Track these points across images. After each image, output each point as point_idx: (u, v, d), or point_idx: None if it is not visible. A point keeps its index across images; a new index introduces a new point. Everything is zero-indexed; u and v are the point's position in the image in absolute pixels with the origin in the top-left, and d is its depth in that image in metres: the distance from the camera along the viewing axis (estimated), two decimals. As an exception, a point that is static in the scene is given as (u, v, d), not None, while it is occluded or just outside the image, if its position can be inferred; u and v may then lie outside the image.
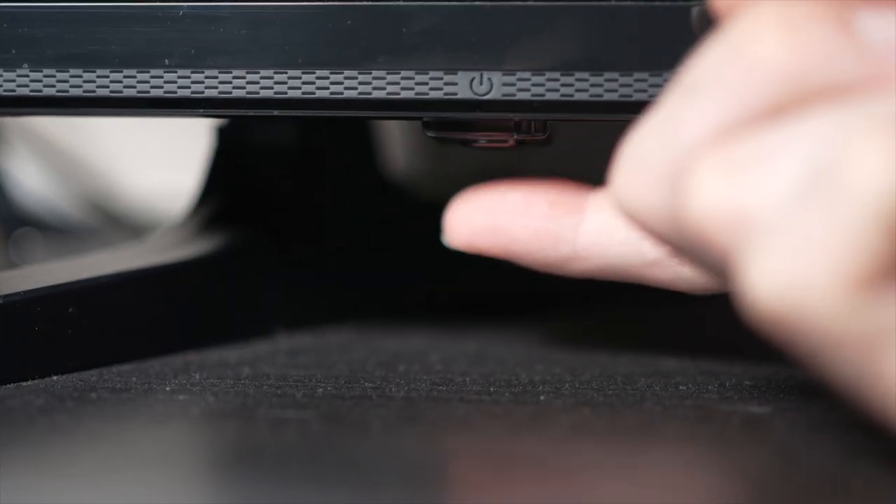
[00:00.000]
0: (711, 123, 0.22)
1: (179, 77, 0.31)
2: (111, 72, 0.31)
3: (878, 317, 0.21)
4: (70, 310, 0.33)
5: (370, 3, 0.30)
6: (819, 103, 0.22)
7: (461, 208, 0.32)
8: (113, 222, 0.68)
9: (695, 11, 0.28)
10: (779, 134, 0.22)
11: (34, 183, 0.70)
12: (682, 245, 0.23)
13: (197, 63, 0.31)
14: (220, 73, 0.31)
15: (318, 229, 0.42)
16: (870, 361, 0.21)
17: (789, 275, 0.21)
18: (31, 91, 0.31)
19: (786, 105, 0.22)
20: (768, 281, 0.21)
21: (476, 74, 0.30)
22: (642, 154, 0.23)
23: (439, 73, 0.30)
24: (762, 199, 0.21)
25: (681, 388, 0.32)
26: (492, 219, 0.31)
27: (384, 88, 0.30)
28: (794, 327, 0.21)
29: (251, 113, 0.31)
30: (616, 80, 0.29)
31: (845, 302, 0.21)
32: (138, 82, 0.31)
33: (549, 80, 0.29)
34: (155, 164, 0.71)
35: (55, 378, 0.32)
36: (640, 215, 0.24)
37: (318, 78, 0.30)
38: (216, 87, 0.31)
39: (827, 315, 0.21)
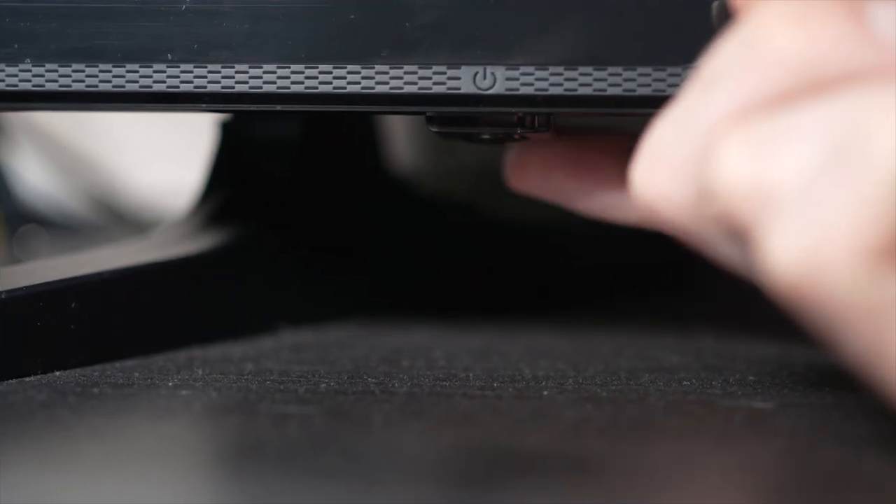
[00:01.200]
0: (727, 113, 0.23)
1: (182, 72, 0.31)
2: (113, 66, 0.31)
3: (893, 289, 0.21)
4: (72, 305, 0.33)
5: (373, -3, 0.30)
6: (832, 90, 0.22)
7: (515, 159, 0.34)
8: (117, 219, 0.68)
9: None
10: (800, 112, 0.22)
11: (38, 180, 0.70)
12: (704, 235, 0.24)
13: (199, 58, 0.31)
14: (222, 67, 0.30)
15: (321, 225, 0.42)
16: (882, 336, 0.21)
17: (809, 245, 0.21)
18: (34, 86, 0.31)
19: (800, 94, 0.22)
20: (789, 251, 0.21)
21: (479, 69, 0.30)
22: (662, 147, 0.24)
23: (442, 68, 0.30)
24: (784, 173, 0.22)
25: (684, 383, 0.32)
26: (544, 169, 0.33)
27: (387, 83, 0.30)
28: (812, 298, 0.22)
29: (254, 108, 0.31)
30: (619, 75, 0.29)
31: (862, 273, 0.21)
32: (141, 77, 0.31)
33: (552, 74, 0.29)
34: (159, 160, 0.71)
35: (57, 373, 0.32)
36: (662, 207, 0.24)
37: (320, 72, 0.30)
38: (219, 82, 0.31)
39: (844, 285, 0.21)
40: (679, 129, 0.24)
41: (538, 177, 0.33)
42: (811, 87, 0.22)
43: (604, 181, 0.32)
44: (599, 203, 0.33)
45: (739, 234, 0.23)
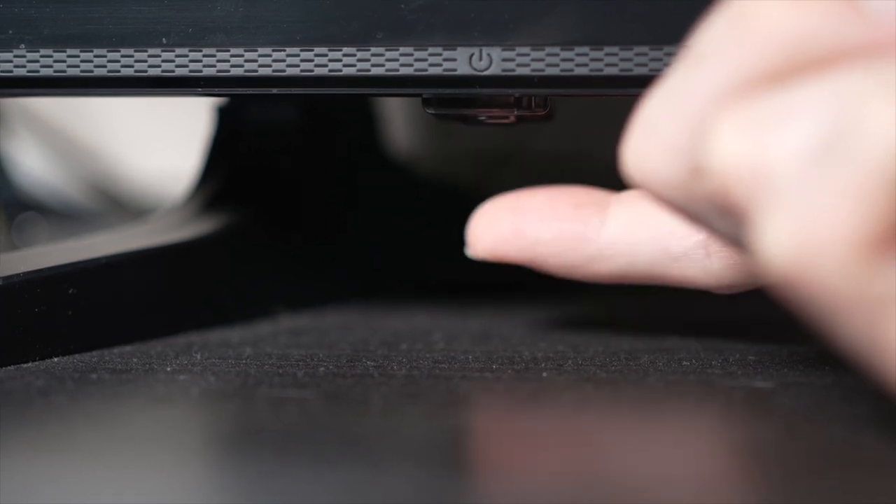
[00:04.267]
0: (719, 89, 0.23)
1: (177, 56, 0.31)
2: (108, 51, 0.31)
3: (887, 281, 0.21)
4: (70, 291, 0.33)
5: (368, -22, 0.30)
6: (827, 68, 0.22)
7: (484, 217, 0.32)
8: (116, 205, 0.68)
9: None
10: (797, 92, 0.22)
11: (36, 167, 0.70)
12: (696, 211, 0.24)
13: (195, 42, 0.30)
14: (217, 51, 0.30)
15: (319, 209, 0.42)
16: (876, 326, 0.21)
17: (803, 234, 0.21)
18: (29, 72, 0.31)
19: (792, 70, 0.22)
20: (782, 236, 0.21)
21: (475, 50, 0.30)
22: (653, 122, 0.24)
23: (438, 50, 0.30)
24: (781, 157, 0.22)
25: (684, 363, 0.32)
26: (516, 223, 0.32)
27: (383, 65, 0.30)
28: (805, 288, 0.21)
29: (250, 91, 0.31)
30: (616, 55, 0.29)
31: (856, 264, 0.21)
32: (136, 62, 0.31)
33: (548, 55, 0.29)
34: (158, 147, 0.71)
35: (56, 359, 0.32)
36: (654, 184, 0.24)
37: (316, 55, 0.30)
38: (214, 66, 0.30)
39: (837, 276, 0.21)
40: (670, 105, 0.23)
41: (510, 234, 0.32)
42: (804, 63, 0.22)
43: (583, 231, 0.32)
44: (579, 256, 0.32)
45: (733, 213, 0.23)
